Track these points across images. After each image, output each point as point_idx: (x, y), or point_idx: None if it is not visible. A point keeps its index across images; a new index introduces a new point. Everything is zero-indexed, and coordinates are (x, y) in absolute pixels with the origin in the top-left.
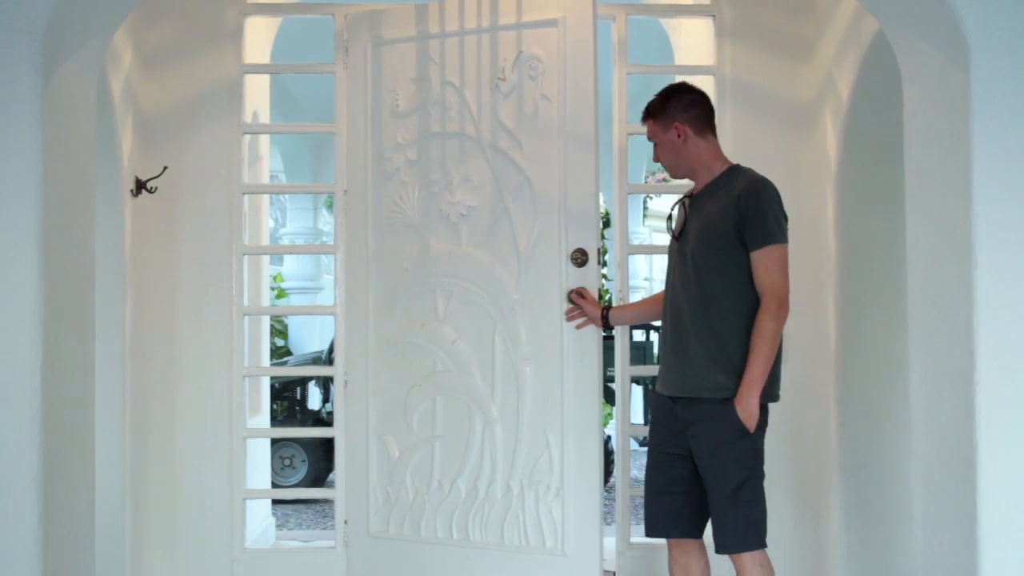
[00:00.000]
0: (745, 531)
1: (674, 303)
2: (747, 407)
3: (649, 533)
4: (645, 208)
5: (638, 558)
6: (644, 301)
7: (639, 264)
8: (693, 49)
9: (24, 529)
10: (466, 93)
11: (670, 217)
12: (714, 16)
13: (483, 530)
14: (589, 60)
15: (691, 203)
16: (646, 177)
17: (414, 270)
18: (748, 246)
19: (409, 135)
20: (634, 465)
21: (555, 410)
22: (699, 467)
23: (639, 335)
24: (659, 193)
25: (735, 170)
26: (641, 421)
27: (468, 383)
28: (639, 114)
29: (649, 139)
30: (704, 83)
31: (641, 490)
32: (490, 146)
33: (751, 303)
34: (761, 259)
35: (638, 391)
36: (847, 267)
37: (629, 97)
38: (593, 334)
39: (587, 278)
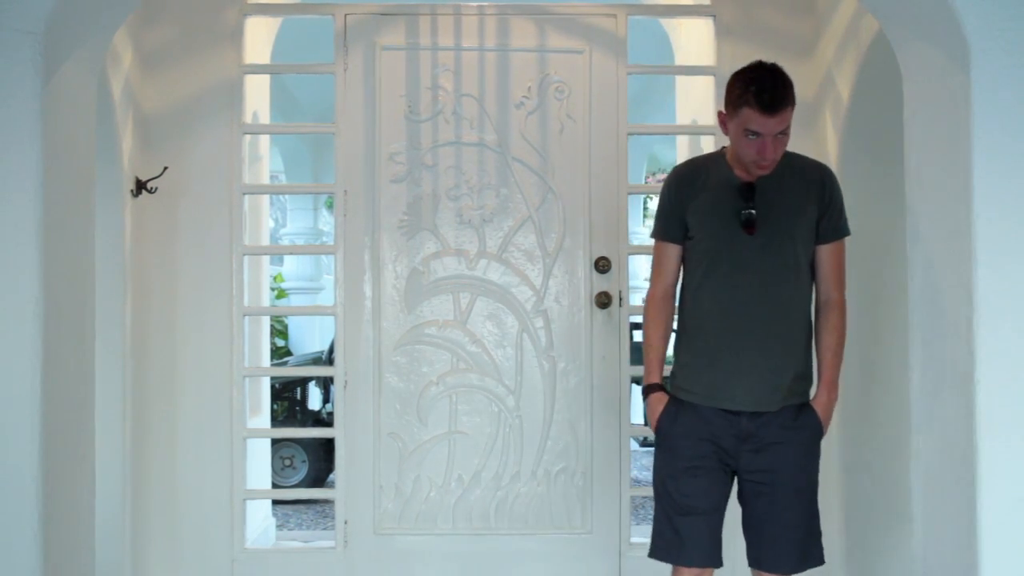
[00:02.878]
0: (817, 545)
1: (745, 305)
2: (830, 410)
3: (694, 562)
4: (645, 208)
5: (638, 558)
6: (658, 338)
7: (639, 264)
8: (693, 49)
9: (24, 529)
10: (487, 106)
11: (736, 203)
12: (714, 16)
13: (508, 517)
14: (615, 86)
15: (749, 188)
16: (646, 177)
17: (429, 272)
18: (822, 237)
19: (422, 141)
20: (634, 466)
21: (583, 403)
22: (771, 483)
23: (639, 336)
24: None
25: (789, 155)
26: (641, 421)
27: (491, 381)
28: (639, 114)
29: (780, 134)
30: (704, 83)
31: (641, 490)
32: (514, 159)
33: (811, 300)
34: (837, 251)
35: (638, 391)
36: (847, 267)
37: (629, 97)
38: (616, 335)
39: (611, 283)
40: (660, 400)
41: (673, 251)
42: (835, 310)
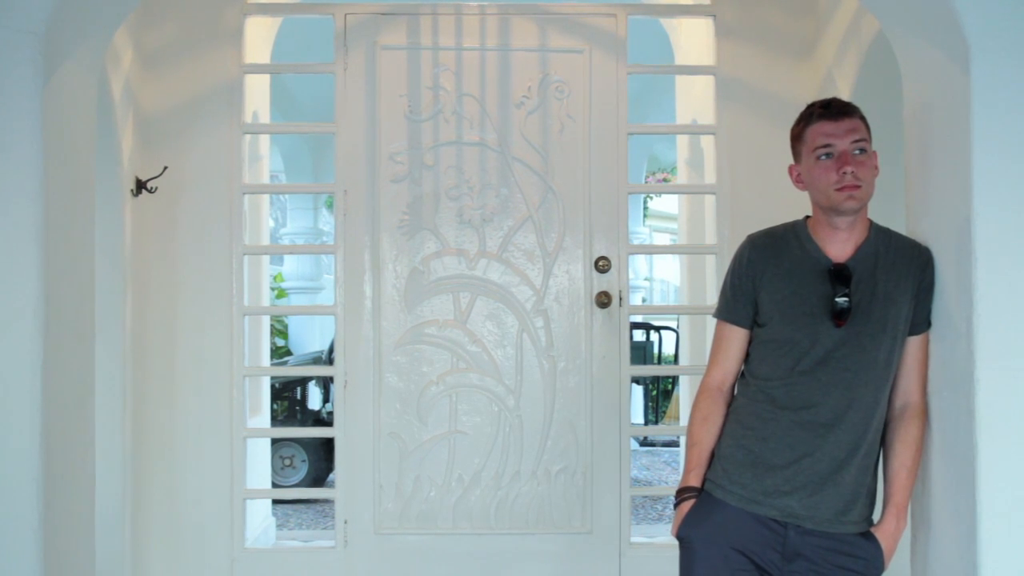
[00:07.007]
0: None
1: (823, 407)
2: (896, 542)
3: None
4: (645, 208)
5: (638, 558)
6: (706, 437)
7: (639, 264)
8: (693, 49)
9: (24, 529)
10: (488, 106)
11: (824, 287)
12: (714, 16)
13: (508, 517)
14: (615, 86)
15: (844, 272)
16: (646, 177)
17: (429, 272)
18: (914, 328)
19: (423, 140)
20: (634, 465)
21: (582, 402)
22: None
23: (639, 335)
24: (659, 193)
25: (884, 231)
26: (641, 421)
27: (491, 380)
28: (638, 114)
29: (855, 142)
30: (704, 83)
31: (641, 490)
32: (515, 159)
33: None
34: (924, 345)
35: (638, 391)
36: None
37: (629, 97)
38: (616, 334)
39: (611, 283)
40: (690, 505)
41: (738, 336)
42: (916, 419)
